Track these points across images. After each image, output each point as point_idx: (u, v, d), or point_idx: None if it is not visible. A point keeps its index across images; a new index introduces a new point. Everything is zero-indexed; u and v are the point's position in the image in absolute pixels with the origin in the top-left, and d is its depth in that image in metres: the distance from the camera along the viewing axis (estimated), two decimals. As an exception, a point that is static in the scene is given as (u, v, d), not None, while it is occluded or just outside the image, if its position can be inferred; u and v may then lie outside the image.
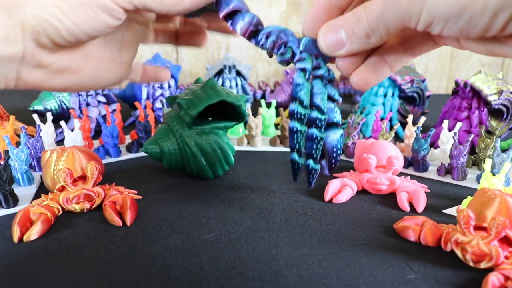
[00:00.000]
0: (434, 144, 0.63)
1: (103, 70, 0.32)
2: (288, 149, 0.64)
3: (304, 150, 0.34)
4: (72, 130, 0.58)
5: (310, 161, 0.34)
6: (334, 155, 0.34)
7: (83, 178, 0.44)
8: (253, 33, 0.30)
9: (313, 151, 0.34)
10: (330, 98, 0.33)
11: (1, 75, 0.28)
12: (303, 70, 0.31)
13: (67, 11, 0.27)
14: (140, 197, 0.45)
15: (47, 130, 0.57)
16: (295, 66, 0.31)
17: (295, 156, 0.34)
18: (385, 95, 0.71)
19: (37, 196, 0.46)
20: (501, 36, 0.23)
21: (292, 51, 0.30)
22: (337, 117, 0.33)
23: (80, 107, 0.69)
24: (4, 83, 0.28)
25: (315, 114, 0.32)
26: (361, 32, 0.25)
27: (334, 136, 0.34)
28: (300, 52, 0.30)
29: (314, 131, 0.33)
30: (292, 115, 0.32)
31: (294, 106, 0.32)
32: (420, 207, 0.43)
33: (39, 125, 0.55)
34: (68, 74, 0.30)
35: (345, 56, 0.28)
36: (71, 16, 0.27)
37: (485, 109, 0.62)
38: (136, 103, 0.64)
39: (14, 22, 0.26)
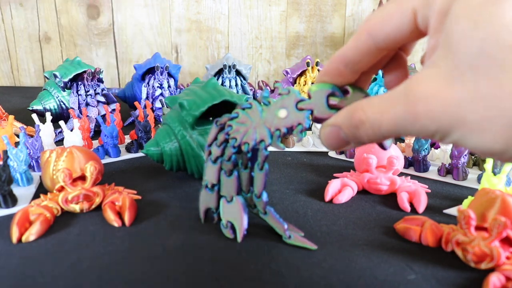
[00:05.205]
0: (434, 144, 0.63)
1: None
2: (287, 149, 0.63)
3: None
4: (71, 130, 0.58)
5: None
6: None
7: (83, 178, 0.43)
8: None
9: None
10: None
11: None
12: None
13: None
14: (140, 197, 0.45)
15: (46, 130, 0.57)
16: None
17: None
18: (385, 95, 0.71)
19: (36, 196, 0.45)
20: None
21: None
22: None
23: (79, 107, 0.69)
24: None
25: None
26: (364, 138, 0.24)
27: None
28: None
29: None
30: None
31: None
32: (421, 208, 0.43)
33: (38, 125, 0.55)
34: None
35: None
36: None
37: (486, 109, 0.62)
38: (136, 103, 0.64)
39: None
